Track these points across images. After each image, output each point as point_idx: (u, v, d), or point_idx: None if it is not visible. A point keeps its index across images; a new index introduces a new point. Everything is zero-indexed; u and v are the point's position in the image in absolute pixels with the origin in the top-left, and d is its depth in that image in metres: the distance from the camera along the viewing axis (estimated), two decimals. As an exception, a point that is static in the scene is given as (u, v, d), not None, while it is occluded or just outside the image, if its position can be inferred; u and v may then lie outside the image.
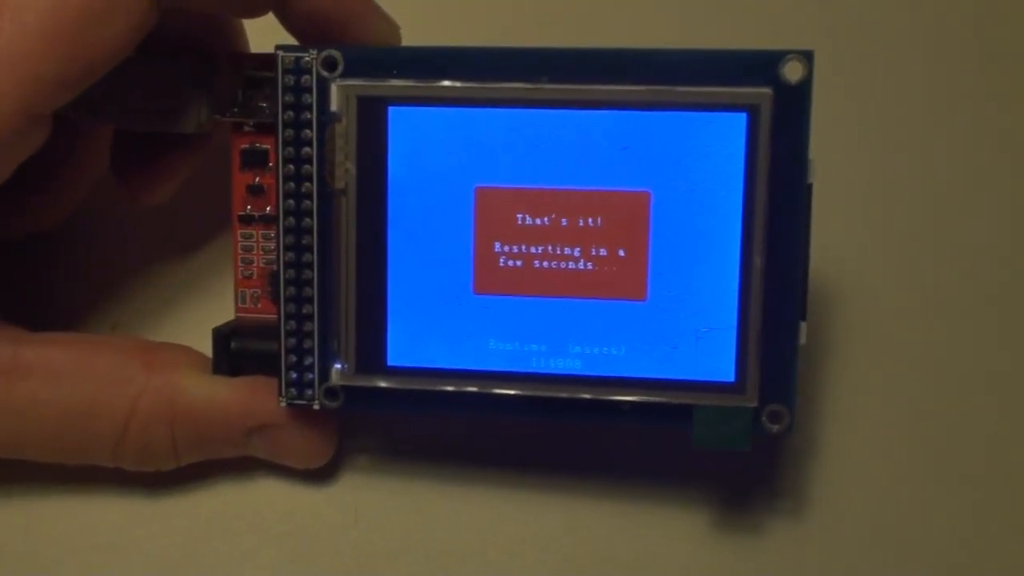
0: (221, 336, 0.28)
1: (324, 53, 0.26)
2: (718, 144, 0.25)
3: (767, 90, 0.25)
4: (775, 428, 0.26)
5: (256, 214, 0.29)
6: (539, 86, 0.25)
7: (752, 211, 0.25)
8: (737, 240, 0.25)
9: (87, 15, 0.24)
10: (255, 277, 0.29)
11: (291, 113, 0.26)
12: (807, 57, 0.25)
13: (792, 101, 0.25)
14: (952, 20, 0.32)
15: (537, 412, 0.26)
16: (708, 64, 0.25)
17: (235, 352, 0.28)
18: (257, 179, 0.28)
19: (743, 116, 0.25)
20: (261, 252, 0.29)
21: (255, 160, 0.28)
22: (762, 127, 0.25)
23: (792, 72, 0.25)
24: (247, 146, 0.28)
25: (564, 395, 0.26)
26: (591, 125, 0.25)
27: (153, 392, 0.27)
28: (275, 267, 0.28)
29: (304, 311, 0.27)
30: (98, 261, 0.31)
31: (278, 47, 0.26)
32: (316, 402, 0.27)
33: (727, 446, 0.26)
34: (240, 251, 0.29)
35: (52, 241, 0.31)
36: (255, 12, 0.27)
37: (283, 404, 0.27)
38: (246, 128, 0.28)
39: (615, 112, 0.25)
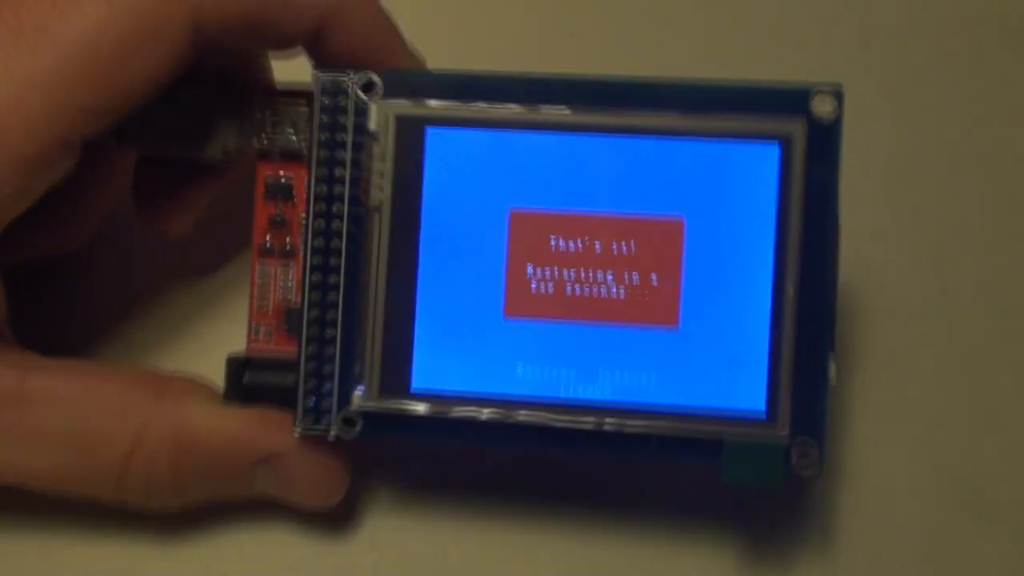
0: (235, 363, 0.27)
1: (362, 76, 0.26)
2: (752, 174, 0.25)
3: (800, 121, 0.25)
4: (807, 471, 0.25)
5: (275, 246, 0.28)
6: (576, 111, 0.26)
7: (785, 240, 0.25)
8: (769, 269, 0.25)
9: (125, 45, 0.25)
10: (270, 312, 0.28)
11: (327, 133, 0.26)
12: (837, 90, 0.25)
13: (823, 133, 0.25)
14: (981, 50, 0.32)
15: (563, 444, 0.26)
16: (741, 96, 0.25)
17: (247, 385, 0.27)
18: (280, 212, 0.28)
19: (776, 146, 0.25)
20: (278, 287, 0.28)
21: (279, 192, 0.28)
22: (795, 157, 0.25)
23: (822, 105, 0.25)
24: (272, 178, 0.28)
25: (590, 427, 0.25)
26: (626, 151, 0.25)
27: (159, 423, 0.26)
28: (293, 302, 0.28)
29: (327, 334, 0.26)
30: (112, 285, 0.31)
31: (316, 68, 0.26)
32: (333, 429, 0.26)
33: (758, 481, 0.25)
34: (257, 281, 0.28)
35: (68, 264, 0.31)
36: (287, 49, 0.27)
37: (297, 433, 0.26)
38: (271, 158, 0.28)
39: (650, 139, 0.25)
